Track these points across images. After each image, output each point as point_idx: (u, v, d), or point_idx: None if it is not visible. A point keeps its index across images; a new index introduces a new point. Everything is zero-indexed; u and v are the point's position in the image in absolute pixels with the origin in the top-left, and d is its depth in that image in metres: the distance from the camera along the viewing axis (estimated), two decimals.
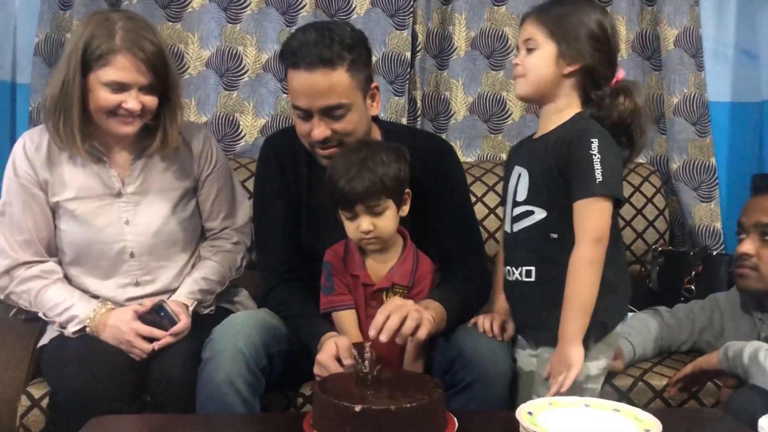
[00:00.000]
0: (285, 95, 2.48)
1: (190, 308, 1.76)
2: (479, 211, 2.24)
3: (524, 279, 1.55)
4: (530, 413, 1.28)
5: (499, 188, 2.38)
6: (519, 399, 1.54)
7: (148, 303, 1.72)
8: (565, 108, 1.54)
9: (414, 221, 1.69)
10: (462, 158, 1.93)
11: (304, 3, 2.47)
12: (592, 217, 1.45)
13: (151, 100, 1.72)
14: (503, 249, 1.65)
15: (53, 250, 1.81)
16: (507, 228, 1.61)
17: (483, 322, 1.62)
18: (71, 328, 1.71)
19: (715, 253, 2.34)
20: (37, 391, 1.69)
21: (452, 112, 2.57)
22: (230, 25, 2.47)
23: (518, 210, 1.56)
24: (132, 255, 1.80)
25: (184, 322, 1.69)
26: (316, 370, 1.56)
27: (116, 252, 1.79)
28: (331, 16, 2.46)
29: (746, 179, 2.60)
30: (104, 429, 1.37)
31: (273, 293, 1.75)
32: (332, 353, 1.54)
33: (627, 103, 1.53)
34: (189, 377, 1.58)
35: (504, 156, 2.58)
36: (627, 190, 2.39)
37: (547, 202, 1.52)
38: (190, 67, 2.47)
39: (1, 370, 1.73)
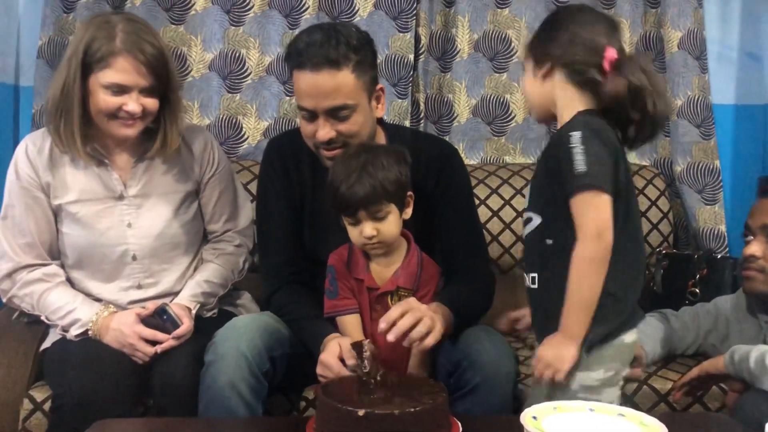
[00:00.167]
0: (288, 98, 2.48)
1: (193, 311, 1.76)
2: (482, 213, 2.23)
3: (531, 285, 1.53)
4: (535, 417, 1.27)
5: (501, 191, 2.37)
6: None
7: (151, 306, 1.72)
8: (564, 109, 1.48)
9: (418, 224, 1.69)
10: (465, 161, 1.93)
11: (306, 5, 2.47)
12: (586, 212, 1.37)
13: (151, 103, 1.72)
14: None
15: (55, 254, 1.81)
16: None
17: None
18: (74, 332, 1.70)
19: (719, 256, 2.33)
20: (40, 394, 1.69)
21: (455, 114, 2.57)
22: (233, 27, 2.48)
23: (525, 216, 1.55)
24: (134, 258, 1.79)
25: (186, 325, 1.69)
26: (319, 369, 1.56)
27: (118, 255, 1.78)
28: (333, 19, 2.46)
29: (750, 182, 2.59)
30: None
31: (276, 296, 1.74)
32: (336, 353, 1.53)
33: (618, 81, 1.42)
34: (191, 381, 1.58)
35: (507, 158, 2.59)
36: None
37: (542, 208, 1.48)
38: (193, 70, 2.47)
39: (4, 374, 1.73)
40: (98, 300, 1.78)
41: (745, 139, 2.67)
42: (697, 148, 2.56)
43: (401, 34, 2.49)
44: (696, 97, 2.55)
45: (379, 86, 1.71)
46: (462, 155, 1.96)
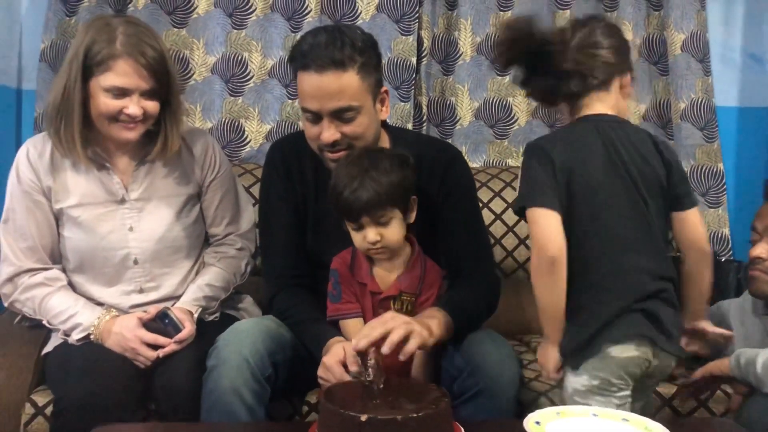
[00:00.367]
0: (290, 101, 2.48)
1: (195, 315, 1.75)
2: (485, 217, 2.21)
3: None
4: (538, 423, 1.27)
5: (504, 194, 2.36)
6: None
7: (153, 310, 1.71)
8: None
9: (422, 228, 1.68)
10: (468, 164, 1.93)
11: (309, 9, 2.47)
12: (530, 227, 1.48)
13: (152, 106, 1.71)
14: None
15: (57, 258, 1.80)
16: None
17: None
18: (75, 336, 1.70)
19: (723, 259, 2.32)
20: (42, 398, 1.68)
21: (458, 117, 2.57)
22: (235, 31, 2.47)
23: None
24: (136, 262, 1.79)
25: (188, 329, 1.68)
26: (321, 372, 1.54)
27: (120, 259, 1.78)
28: (336, 22, 2.46)
29: (754, 185, 2.58)
30: None
31: (278, 299, 1.73)
32: (339, 357, 1.51)
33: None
34: (194, 385, 1.57)
35: (510, 161, 2.58)
36: None
37: None
38: (195, 73, 2.47)
39: (5, 378, 1.73)
40: (100, 304, 1.77)
41: (748, 142, 2.67)
42: (701, 150, 2.56)
43: (404, 37, 2.48)
44: (699, 100, 2.54)
45: (383, 89, 1.70)
46: (465, 158, 1.95)
